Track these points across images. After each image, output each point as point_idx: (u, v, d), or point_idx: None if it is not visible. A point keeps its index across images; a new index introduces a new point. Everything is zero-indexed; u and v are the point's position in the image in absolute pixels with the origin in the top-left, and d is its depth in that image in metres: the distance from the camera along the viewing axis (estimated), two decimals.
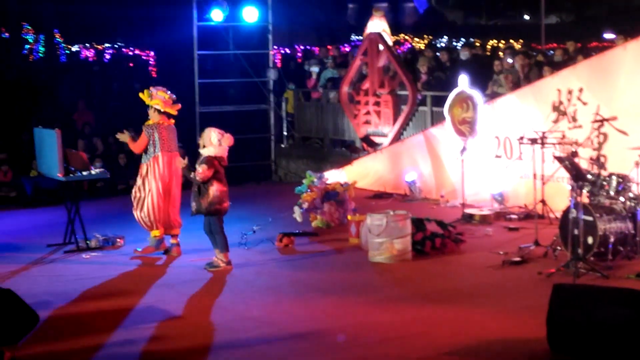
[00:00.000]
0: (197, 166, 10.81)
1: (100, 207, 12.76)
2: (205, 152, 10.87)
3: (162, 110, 11.81)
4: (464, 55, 16.81)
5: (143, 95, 11.88)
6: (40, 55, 33.28)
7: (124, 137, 11.98)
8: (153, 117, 11.88)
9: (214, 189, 10.75)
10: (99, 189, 17.86)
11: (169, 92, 11.98)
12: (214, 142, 10.83)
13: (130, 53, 31.11)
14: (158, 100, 11.82)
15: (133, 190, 11.89)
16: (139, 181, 11.81)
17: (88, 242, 12.21)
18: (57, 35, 34.86)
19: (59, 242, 12.45)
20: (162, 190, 11.74)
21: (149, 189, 11.71)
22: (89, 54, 33.99)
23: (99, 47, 34.92)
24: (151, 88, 11.96)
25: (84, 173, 12.37)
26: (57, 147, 11.99)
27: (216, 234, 10.90)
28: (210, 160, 10.74)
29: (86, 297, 9.83)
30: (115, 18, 36.27)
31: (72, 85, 22.26)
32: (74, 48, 34.87)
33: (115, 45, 34.79)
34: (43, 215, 14.88)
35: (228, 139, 10.91)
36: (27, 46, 34.09)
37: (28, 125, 18.55)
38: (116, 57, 30.69)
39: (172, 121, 11.99)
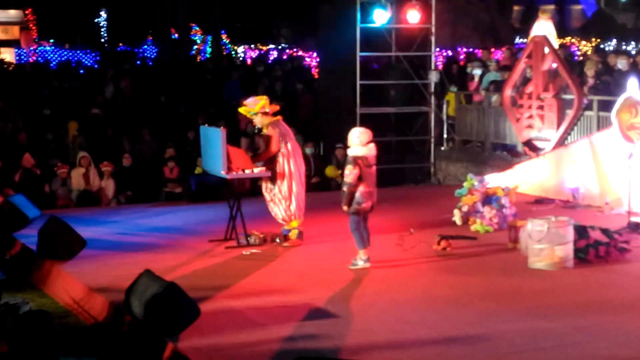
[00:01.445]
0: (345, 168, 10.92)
1: (261, 205, 12.97)
2: (349, 152, 10.96)
3: (267, 110, 12.17)
4: (621, 64, 16.26)
5: (243, 110, 12.39)
6: (207, 55, 34.30)
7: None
8: (263, 122, 12.27)
9: (359, 189, 10.79)
10: (261, 187, 18.16)
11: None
12: (355, 142, 10.87)
13: (294, 54, 31.60)
14: (261, 102, 12.20)
15: (270, 187, 12.29)
16: (276, 175, 12.21)
17: (248, 238, 12.45)
18: (224, 37, 35.87)
19: (220, 238, 12.73)
20: (299, 178, 12.23)
21: (289, 181, 12.15)
22: (253, 54, 34.79)
23: (263, 48, 35.70)
24: (243, 103, 12.45)
25: (246, 171, 12.62)
26: (221, 145, 12.27)
27: (352, 232, 10.97)
28: (354, 160, 10.78)
29: (245, 292, 10.04)
30: (279, 20, 36.97)
31: (235, 84, 22.73)
32: (240, 49, 35.79)
33: (279, 47, 35.48)
34: (206, 211, 15.24)
35: (365, 134, 10.88)
36: (195, 47, 35.24)
37: (194, 124, 19.12)
38: (279, 58, 31.24)
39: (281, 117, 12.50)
